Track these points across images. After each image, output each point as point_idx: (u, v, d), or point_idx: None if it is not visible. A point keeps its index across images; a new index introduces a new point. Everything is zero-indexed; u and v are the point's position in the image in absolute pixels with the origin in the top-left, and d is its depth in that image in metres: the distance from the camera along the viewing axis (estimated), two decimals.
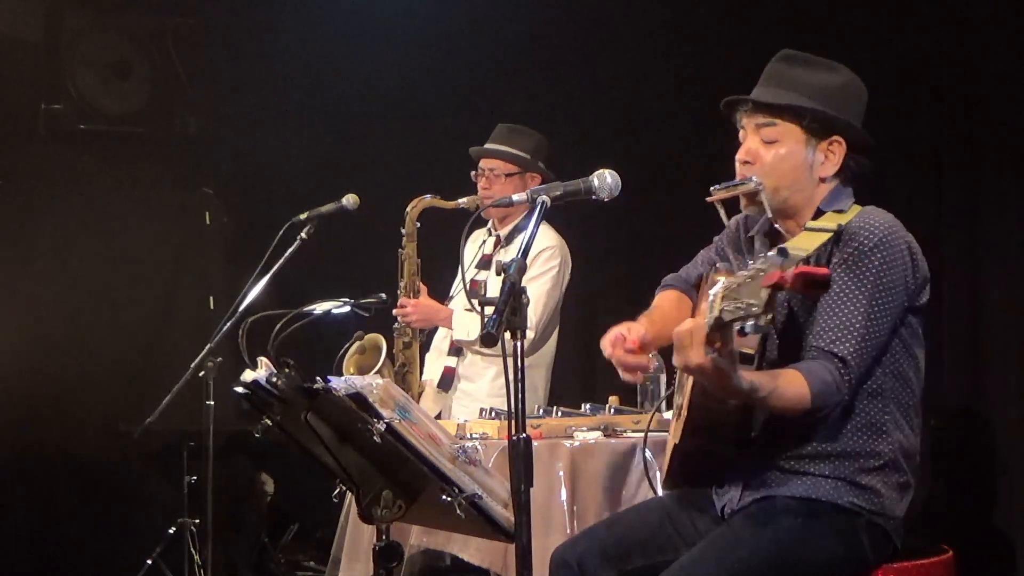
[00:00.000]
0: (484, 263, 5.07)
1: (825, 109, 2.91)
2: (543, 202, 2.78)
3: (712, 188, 2.96)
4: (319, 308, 4.82)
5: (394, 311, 4.96)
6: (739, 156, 2.97)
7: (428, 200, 4.98)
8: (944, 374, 4.99)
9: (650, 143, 5.80)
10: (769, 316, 2.26)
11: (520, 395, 2.61)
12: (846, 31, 5.19)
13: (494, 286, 4.96)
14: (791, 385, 2.70)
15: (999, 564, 4.84)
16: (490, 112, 6.36)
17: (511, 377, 2.61)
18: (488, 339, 2.50)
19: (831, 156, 2.94)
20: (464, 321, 4.94)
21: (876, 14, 5.20)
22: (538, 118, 6.36)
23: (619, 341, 2.95)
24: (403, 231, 4.98)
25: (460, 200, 4.96)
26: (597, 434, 4.19)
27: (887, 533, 2.88)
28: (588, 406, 4.44)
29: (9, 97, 6.30)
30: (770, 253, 2.29)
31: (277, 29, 6.69)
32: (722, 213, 3.01)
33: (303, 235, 4.87)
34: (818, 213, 2.93)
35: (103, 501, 6.30)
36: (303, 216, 4.90)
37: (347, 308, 4.84)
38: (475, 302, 2.73)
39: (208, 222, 6.73)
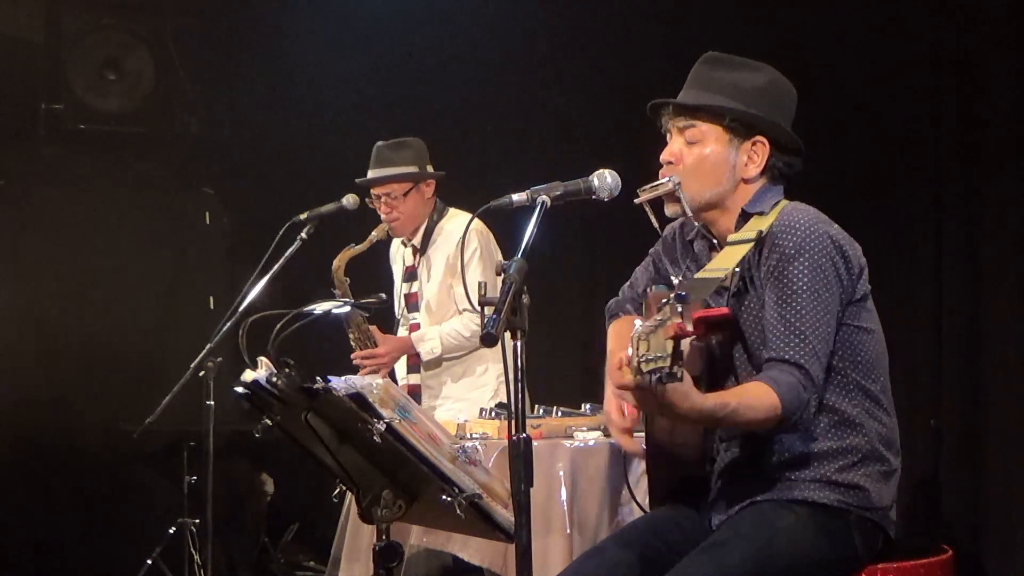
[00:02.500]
0: (409, 275, 5.14)
1: (748, 109, 2.91)
2: (543, 202, 2.77)
3: (638, 190, 2.96)
4: (319, 308, 4.80)
5: (360, 362, 4.98)
6: (662, 157, 2.98)
7: (349, 253, 5.00)
8: (944, 374, 4.99)
9: (650, 143, 5.80)
10: (678, 366, 2.27)
11: (520, 395, 2.60)
12: (846, 32, 5.19)
13: (428, 291, 5.05)
14: (758, 395, 2.69)
15: (999, 564, 4.84)
16: (490, 112, 6.38)
17: (511, 377, 2.60)
18: (488, 339, 2.50)
19: (754, 156, 2.92)
20: (424, 342, 4.99)
21: (876, 14, 5.20)
22: (538, 118, 6.39)
23: (622, 428, 3.00)
24: (335, 292, 5.00)
25: (371, 235, 5.01)
26: (597, 434, 4.19)
27: (878, 526, 2.88)
28: (588, 406, 4.44)
29: (9, 97, 6.30)
30: (671, 298, 2.29)
31: (277, 29, 6.69)
32: (651, 215, 3.01)
33: (303, 235, 4.87)
34: (743, 215, 2.92)
35: (103, 501, 6.31)
36: (303, 216, 4.90)
37: (347, 308, 4.84)
38: (475, 302, 2.71)
39: (208, 222, 6.73)
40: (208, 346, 4.93)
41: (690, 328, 2.25)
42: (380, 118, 6.61)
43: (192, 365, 4.99)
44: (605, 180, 2.86)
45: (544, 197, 2.79)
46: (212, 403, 5.01)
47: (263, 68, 6.71)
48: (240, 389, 2.90)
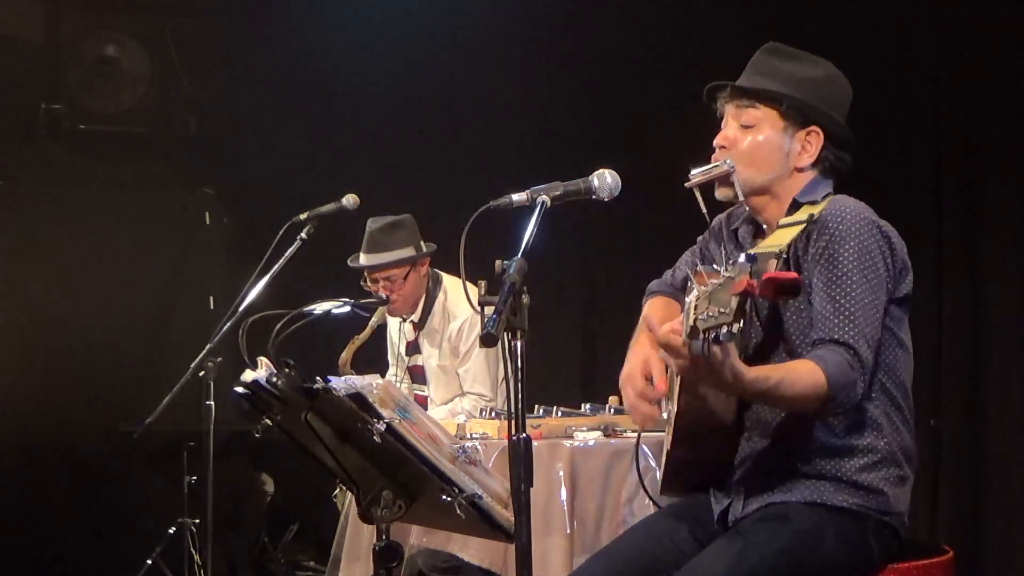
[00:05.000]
0: (412, 349, 5.21)
1: (803, 98, 2.92)
2: (543, 202, 2.77)
3: (691, 172, 2.96)
4: (319, 308, 4.81)
5: None
6: (716, 141, 2.98)
7: (354, 345, 5.05)
8: (944, 374, 4.99)
9: (650, 143, 5.81)
10: (740, 323, 2.26)
11: (520, 395, 2.60)
12: (846, 33, 5.19)
13: (432, 365, 5.12)
14: (803, 372, 2.67)
15: (999, 564, 4.85)
16: (490, 112, 6.38)
17: (511, 377, 2.60)
18: (488, 339, 2.50)
19: (808, 146, 2.93)
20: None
21: (876, 17, 5.20)
22: (538, 118, 6.39)
23: (644, 394, 2.89)
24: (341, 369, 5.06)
25: (371, 322, 5.05)
26: (597, 434, 4.19)
27: (895, 531, 2.88)
28: (588, 406, 4.44)
29: (9, 97, 6.30)
30: (740, 259, 2.29)
31: (277, 29, 6.69)
32: (700, 200, 3.00)
33: (303, 235, 4.86)
34: (794, 204, 2.92)
35: (103, 501, 6.30)
36: (303, 216, 4.90)
37: (347, 308, 4.84)
38: (475, 302, 2.71)
39: (208, 222, 6.73)
40: (208, 346, 4.92)
41: (759, 286, 2.24)
42: (380, 118, 6.61)
43: (192, 365, 4.98)
44: (605, 180, 2.86)
45: (544, 197, 2.78)
46: (212, 403, 5.00)
47: (263, 68, 6.71)
48: (240, 389, 2.90)
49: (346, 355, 5.04)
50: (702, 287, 2.34)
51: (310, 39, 6.59)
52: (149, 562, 5.76)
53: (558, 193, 2.81)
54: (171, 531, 5.71)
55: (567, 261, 6.20)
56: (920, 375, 4.90)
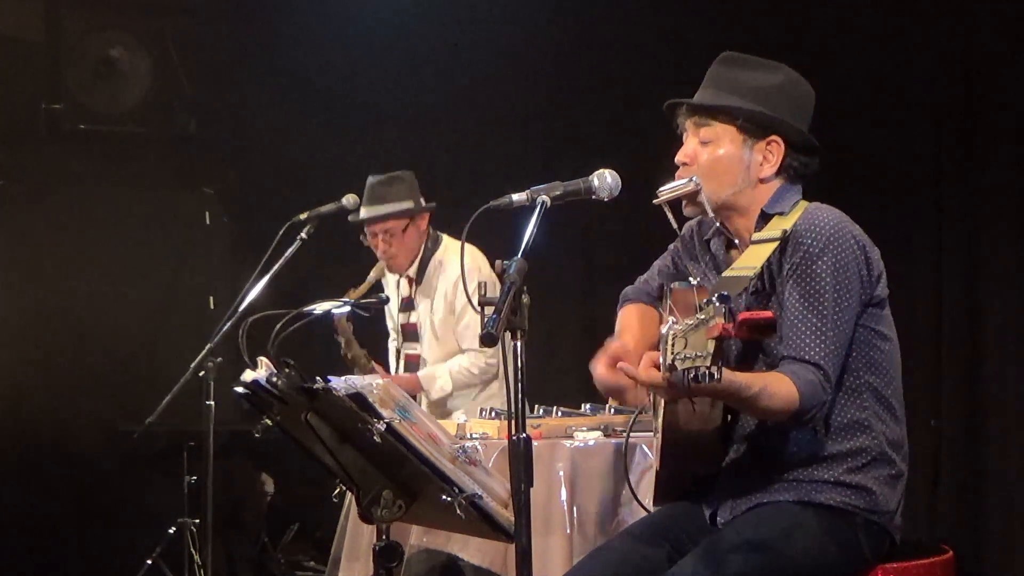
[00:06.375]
0: (406, 305, 5.18)
1: (761, 109, 2.91)
2: (543, 202, 2.77)
3: (658, 191, 2.97)
4: (319, 308, 4.81)
5: None
6: (677, 158, 2.98)
7: (351, 295, 5.00)
8: (944, 374, 4.99)
9: (650, 143, 5.79)
10: (718, 365, 2.30)
11: (520, 395, 2.60)
12: (846, 34, 5.19)
13: (428, 323, 5.10)
14: (779, 385, 2.70)
15: (999, 564, 4.85)
16: (490, 112, 6.38)
17: (511, 377, 2.60)
18: (488, 339, 2.50)
19: (769, 156, 2.93)
20: (435, 380, 5.03)
21: (876, 17, 5.20)
22: (539, 118, 6.39)
23: (618, 369, 2.83)
24: (339, 339, 5.04)
25: (369, 277, 5.04)
26: (597, 434, 4.19)
27: (884, 529, 2.88)
28: (588, 406, 4.44)
29: (9, 97, 6.30)
30: (714, 300, 2.31)
31: (277, 29, 6.69)
32: (670, 216, 3.01)
33: (303, 235, 4.87)
34: (763, 216, 2.92)
35: (103, 501, 6.30)
36: (303, 216, 4.90)
37: (347, 308, 4.84)
38: (475, 302, 2.71)
39: (208, 222, 6.72)
40: (208, 346, 4.92)
41: (734, 329, 2.28)
42: (380, 117, 6.62)
43: (192, 365, 4.98)
44: (605, 180, 2.86)
45: (544, 197, 2.78)
46: (212, 403, 5.00)
47: (263, 68, 6.71)
48: (240, 389, 2.90)
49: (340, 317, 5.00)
50: (676, 326, 2.35)
51: (310, 39, 6.60)
52: (149, 562, 5.75)
53: (558, 193, 2.81)
54: (171, 531, 5.70)
55: (567, 261, 6.19)
56: (920, 375, 4.95)
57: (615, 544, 3.01)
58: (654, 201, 2.97)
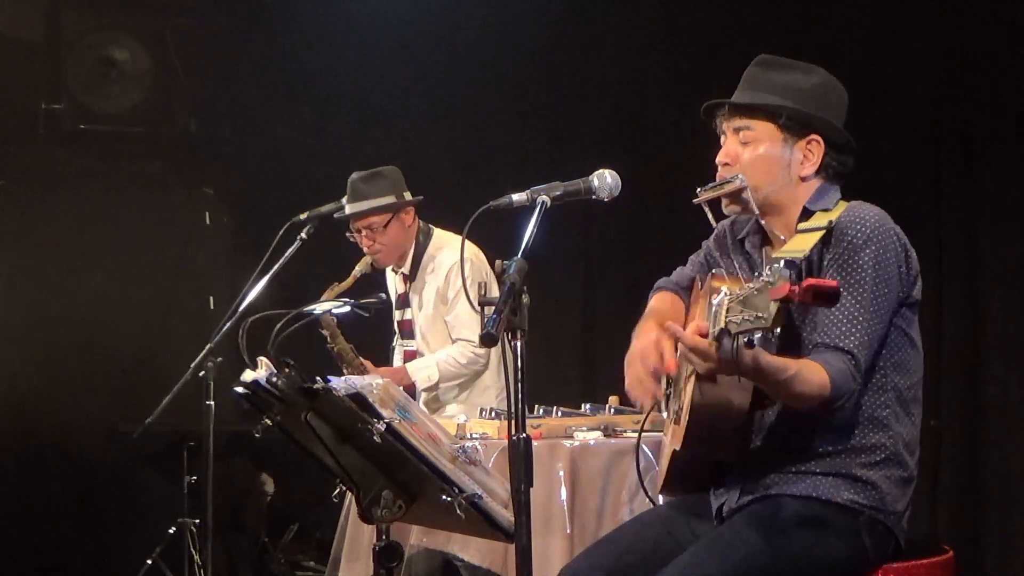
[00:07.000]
0: (402, 302, 5.17)
1: (800, 107, 2.93)
2: (543, 202, 2.78)
3: (698, 189, 2.98)
4: (319, 308, 4.82)
5: None
6: (718, 159, 3.00)
7: (333, 292, 4.99)
8: (944, 374, 4.99)
9: (650, 143, 5.81)
10: (778, 328, 2.30)
11: (520, 395, 2.60)
12: (845, 35, 5.19)
13: (421, 319, 5.09)
14: (812, 371, 2.71)
15: (999, 564, 4.85)
16: (490, 112, 6.38)
17: (511, 377, 2.60)
18: (488, 339, 2.50)
19: (809, 155, 2.95)
20: (420, 371, 5.01)
21: (876, 17, 5.20)
22: (539, 118, 6.39)
23: (657, 370, 2.89)
24: (324, 332, 5.01)
25: (355, 271, 5.02)
26: (597, 434, 4.19)
27: (889, 530, 2.88)
28: (588, 406, 4.44)
29: (9, 97, 6.30)
30: (776, 265, 2.32)
31: (277, 29, 6.69)
32: (709, 215, 3.02)
33: (303, 235, 4.87)
34: (805, 212, 2.95)
35: (103, 501, 6.30)
36: (303, 216, 4.91)
37: (347, 308, 4.84)
38: (475, 302, 2.71)
39: (208, 222, 6.73)
40: (208, 346, 4.93)
41: (800, 292, 2.27)
42: (380, 117, 6.62)
43: (192, 365, 4.99)
44: (605, 180, 2.87)
45: (544, 197, 2.79)
46: (212, 403, 5.01)
47: (263, 68, 6.71)
48: (240, 389, 2.90)
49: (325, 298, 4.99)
50: (733, 290, 2.36)
51: (310, 39, 6.60)
52: (149, 562, 5.75)
53: (558, 193, 2.82)
54: (171, 531, 5.70)
55: (567, 261, 6.19)
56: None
57: (625, 531, 3.04)
58: (694, 200, 2.99)
